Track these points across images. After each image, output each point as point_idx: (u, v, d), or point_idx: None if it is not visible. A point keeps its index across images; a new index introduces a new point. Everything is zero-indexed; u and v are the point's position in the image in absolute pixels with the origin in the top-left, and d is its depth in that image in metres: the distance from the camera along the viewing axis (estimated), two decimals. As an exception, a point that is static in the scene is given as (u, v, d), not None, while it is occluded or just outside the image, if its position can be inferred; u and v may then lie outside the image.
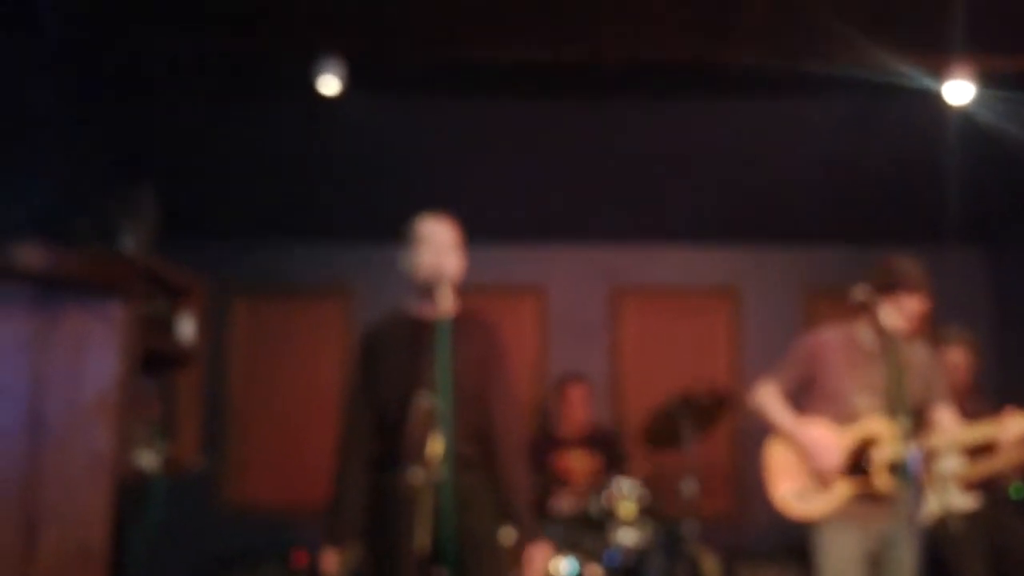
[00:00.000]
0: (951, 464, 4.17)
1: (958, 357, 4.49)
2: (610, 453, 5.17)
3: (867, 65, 4.07)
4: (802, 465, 3.58)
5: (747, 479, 5.74)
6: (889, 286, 3.47)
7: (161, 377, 2.98)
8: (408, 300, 3.10)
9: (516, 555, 4.37)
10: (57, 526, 2.32)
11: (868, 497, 3.47)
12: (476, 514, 2.94)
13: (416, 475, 2.68)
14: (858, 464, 3.48)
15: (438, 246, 3.03)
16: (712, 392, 4.91)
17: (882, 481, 3.43)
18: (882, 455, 3.44)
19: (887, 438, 3.43)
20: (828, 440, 3.50)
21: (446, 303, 2.89)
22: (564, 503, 4.71)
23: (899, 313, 3.46)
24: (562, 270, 6.20)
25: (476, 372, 3.02)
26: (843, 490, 3.50)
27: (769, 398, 3.68)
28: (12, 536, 2.29)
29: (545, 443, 5.20)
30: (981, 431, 3.57)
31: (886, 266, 3.54)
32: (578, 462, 5.08)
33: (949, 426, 3.58)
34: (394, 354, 3.01)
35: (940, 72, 4.28)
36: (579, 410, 5.26)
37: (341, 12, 4.03)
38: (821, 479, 3.53)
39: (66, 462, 2.35)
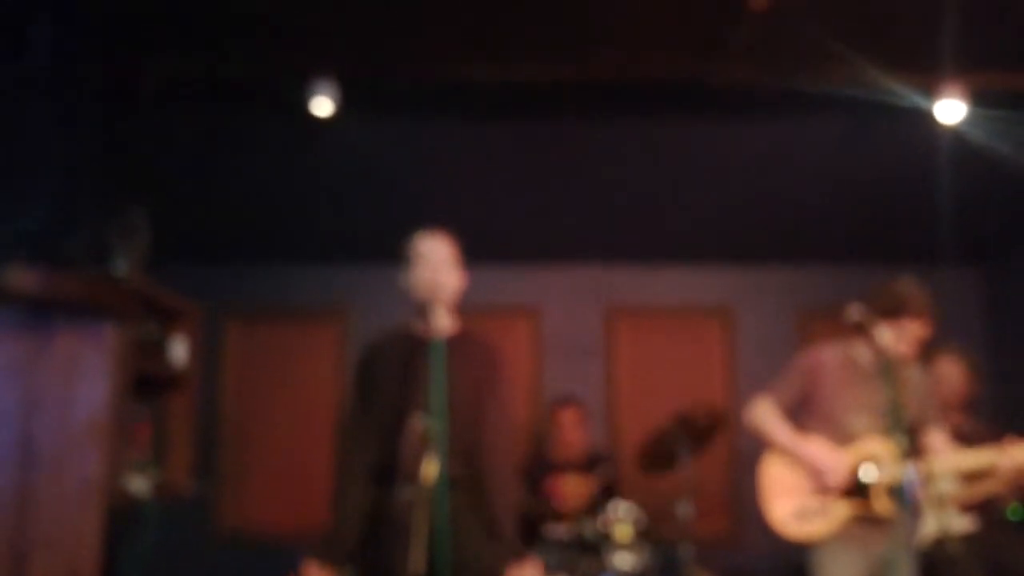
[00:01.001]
0: (948, 486, 4.16)
1: (952, 371, 4.48)
2: (605, 477, 5.14)
3: (859, 84, 4.09)
4: (800, 483, 3.56)
5: (743, 501, 5.72)
6: (893, 310, 3.45)
7: (153, 401, 2.96)
8: (409, 318, 3.08)
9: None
10: (47, 551, 2.29)
11: (867, 519, 3.45)
12: (471, 536, 2.91)
13: (411, 496, 2.65)
14: (857, 486, 3.46)
15: (435, 263, 3.02)
16: (708, 413, 4.89)
17: (882, 504, 3.41)
18: (875, 476, 3.42)
19: (885, 460, 3.41)
20: (832, 456, 3.48)
21: (443, 321, 2.87)
22: (559, 527, 4.67)
23: (900, 337, 3.44)
24: (556, 291, 6.19)
25: (472, 392, 2.99)
26: (842, 511, 3.48)
27: (767, 414, 3.65)
28: (2, 560, 2.26)
29: (539, 467, 5.17)
30: (981, 457, 3.56)
31: (891, 289, 3.51)
32: (572, 486, 5.04)
33: (944, 450, 3.56)
34: (391, 372, 2.98)
35: (932, 91, 4.30)
36: (571, 433, 5.23)
37: (334, 34, 4.04)
38: (821, 497, 3.51)
39: (57, 486, 2.33)
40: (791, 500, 3.56)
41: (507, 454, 3.09)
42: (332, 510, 3.00)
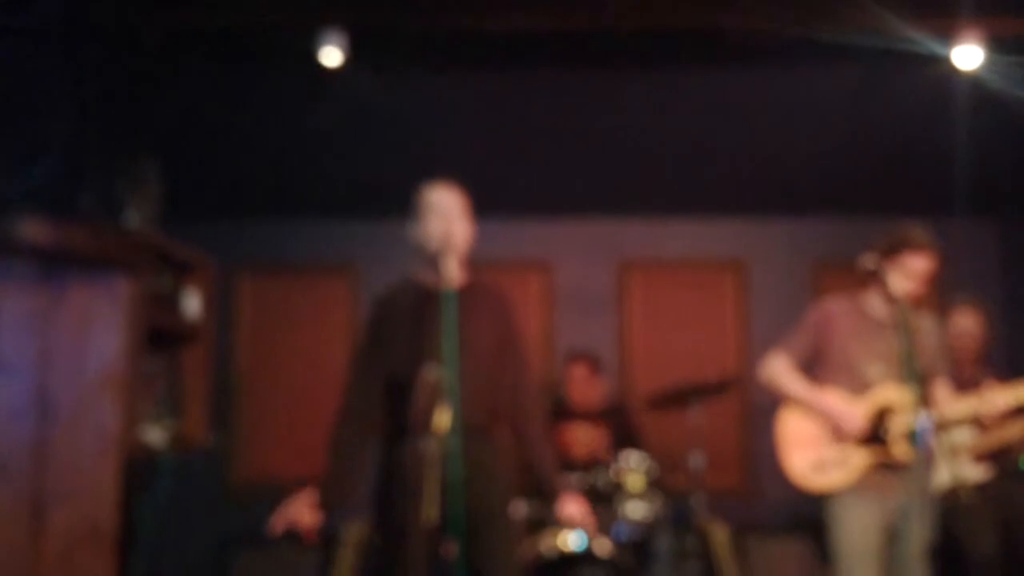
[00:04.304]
0: (962, 435, 4.17)
1: (968, 321, 4.47)
2: (618, 426, 5.15)
3: (875, 30, 4.02)
4: (817, 435, 3.58)
5: (755, 452, 5.74)
6: (894, 248, 3.48)
7: (167, 354, 2.96)
8: (419, 269, 3.08)
9: (526, 528, 4.39)
10: (65, 503, 2.31)
11: (885, 467, 3.47)
12: (487, 485, 2.93)
13: (423, 447, 2.66)
14: (875, 433, 3.48)
15: (445, 214, 3.01)
16: (720, 376, 4.90)
17: (900, 450, 3.43)
18: (899, 423, 3.44)
19: (902, 406, 3.43)
20: (848, 406, 3.51)
21: (453, 272, 2.87)
22: (572, 477, 4.68)
23: (906, 276, 3.46)
24: (569, 245, 6.17)
25: (488, 341, 3.00)
26: (860, 460, 3.49)
27: (781, 369, 3.68)
28: (20, 514, 2.27)
29: (552, 416, 5.18)
30: (965, 406, 3.59)
31: (890, 231, 3.56)
32: (581, 434, 5.06)
33: (945, 402, 3.60)
34: (402, 324, 2.99)
35: (949, 37, 4.22)
36: (582, 388, 5.24)
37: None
38: (839, 448, 3.53)
39: (73, 439, 2.33)
40: (809, 452, 3.58)
41: (537, 404, 3.15)
42: (328, 456, 3.03)
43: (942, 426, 3.63)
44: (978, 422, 3.97)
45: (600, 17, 4.22)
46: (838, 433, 3.52)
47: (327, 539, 5.05)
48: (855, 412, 3.49)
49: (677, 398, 4.84)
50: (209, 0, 4.03)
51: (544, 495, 3.15)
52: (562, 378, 5.38)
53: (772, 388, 3.73)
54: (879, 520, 3.47)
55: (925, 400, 3.28)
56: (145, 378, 2.64)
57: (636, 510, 4.51)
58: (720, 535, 4.97)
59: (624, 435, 5.09)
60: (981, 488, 4.23)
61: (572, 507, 3.10)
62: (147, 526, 2.74)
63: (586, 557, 4.30)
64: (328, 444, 3.05)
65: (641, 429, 5.25)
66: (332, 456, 3.03)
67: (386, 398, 3.02)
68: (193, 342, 3.05)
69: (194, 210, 4.92)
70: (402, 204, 3.14)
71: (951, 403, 3.61)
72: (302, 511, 2.94)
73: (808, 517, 4.11)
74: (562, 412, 5.21)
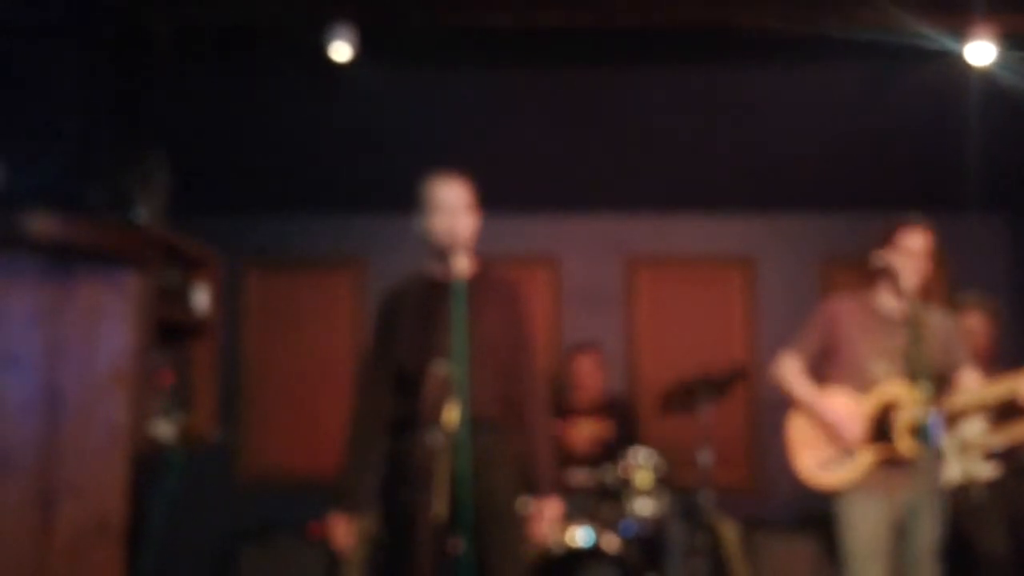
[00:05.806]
0: (974, 430, 4.15)
1: (976, 322, 4.46)
2: (622, 422, 5.14)
3: (887, 27, 4.00)
4: (825, 436, 3.58)
5: (763, 449, 5.73)
6: (888, 235, 3.49)
7: (176, 348, 2.96)
8: (426, 263, 3.08)
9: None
10: (74, 498, 2.31)
11: (892, 464, 3.46)
12: (495, 480, 2.93)
13: (432, 440, 2.66)
14: (880, 430, 3.48)
15: (451, 209, 3.01)
16: (729, 367, 4.89)
17: (905, 445, 3.42)
18: (904, 419, 3.43)
19: (907, 402, 3.42)
20: (848, 411, 3.50)
21: (462, 266, 2.87)
22: (580, 473, 4.68)
23: (907, 256, 3.45)
24: (576, 241, 6.16)
25: (499, 333, 3.00)
26: (867, 458, 3.49)
27: (789, 371, 3.69)
28: (29, 508, 2.28)
29: (555, 413, 5.18)
30: (1001, 387, 3.55)
31: (883, 221, 3.56)
32: (584, 430, 5.06)
33: (972, 386, 3.56)
34: (412, 318, 3.00)
35: (961, 33, 4.20)
36: (588, 379, 5.23)
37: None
38: (845, 449, 3.53)
39: (82, 434, 2.34)
40: (816, 450, 3.58)
41: (543, 395, 3.14)
42: (346, 459, 3.05)
43: (953, 418, 3.62)
44: (989, 418, 3.95)
45: (610, 14, 4.21)
46: (839, 440, 3.53)
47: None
48: (853, 418, 3.49)
49: (686, 394, 4.83)
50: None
51: (530, 488, 3.10)
52: (567, 372, 5.36)
53: (781, 389, 3.74)
54: (888, 517, 3.46)
55: (935, 396, 3.27)
56: (154, 372, 2.64)
57: (644, 507, 4.51)
58: (729, 532, 4.97)
59: (627, 431, 5.08)
60: (992, 485, 4.21)
61: (544, 511, 3.07)
62: (155, 520, 2.74)
63: (594, 553, 4.30)
64: (346, 449, 3.07)
65: (643, 425, 5.24)
66: (351, 462, 3.06)
67: (395, 390, 3.02)
68: (201, 337, 3.06)
69: (202, 205, 4.92)
70: (410, 199, 3.14)
71: (971, 390, 3.57)
72: (343, 535, 3.02)
73: (817, 513, 4.09)
74: (565, 408, 5.20)
